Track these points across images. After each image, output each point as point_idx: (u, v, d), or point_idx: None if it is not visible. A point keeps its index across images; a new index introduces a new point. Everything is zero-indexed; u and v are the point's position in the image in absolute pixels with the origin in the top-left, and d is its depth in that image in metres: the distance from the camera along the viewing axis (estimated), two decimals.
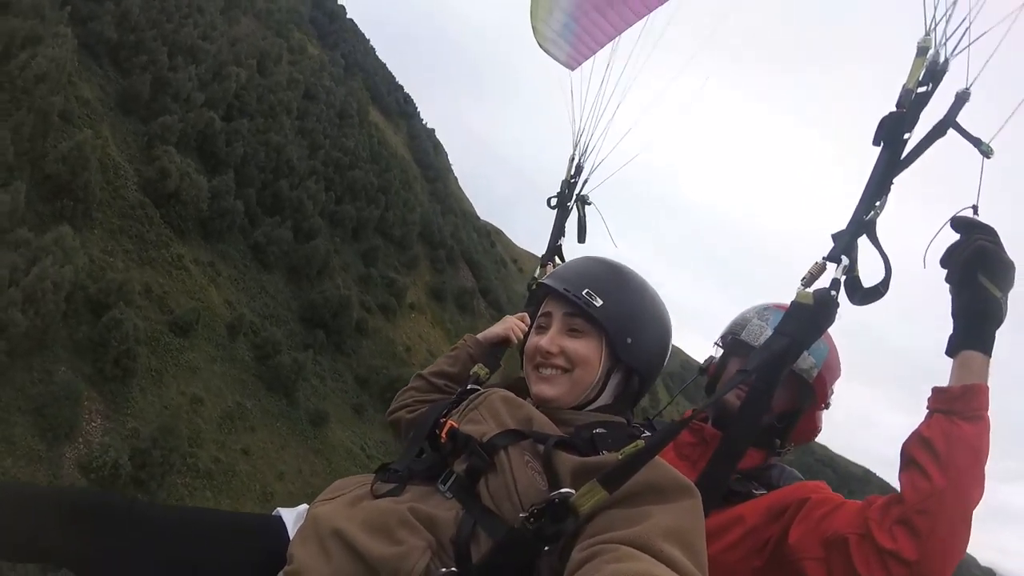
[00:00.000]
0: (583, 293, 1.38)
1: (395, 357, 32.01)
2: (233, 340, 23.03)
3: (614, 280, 1.44)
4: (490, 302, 44.18)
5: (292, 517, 1.41)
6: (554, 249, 2.33)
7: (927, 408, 1.36)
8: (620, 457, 1.08)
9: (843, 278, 1.40)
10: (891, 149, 1.40)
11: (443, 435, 1.33)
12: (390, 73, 53.66)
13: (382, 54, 51.57)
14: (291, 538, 1.34)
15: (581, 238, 2.37)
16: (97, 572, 1.28)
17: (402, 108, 51.22)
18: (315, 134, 31.71)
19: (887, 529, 1.31)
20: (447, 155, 54.25)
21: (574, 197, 2.37)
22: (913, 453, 1.34)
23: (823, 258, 1.42)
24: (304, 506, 1.44)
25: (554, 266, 2.26)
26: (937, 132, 1.38)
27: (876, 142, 1.42)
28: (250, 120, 26.70)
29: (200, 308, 21.44)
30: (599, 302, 1.37)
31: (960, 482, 1.27)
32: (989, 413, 1.31)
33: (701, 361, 2.00)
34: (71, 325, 16.46)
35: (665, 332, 1.46)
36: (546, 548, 1.06)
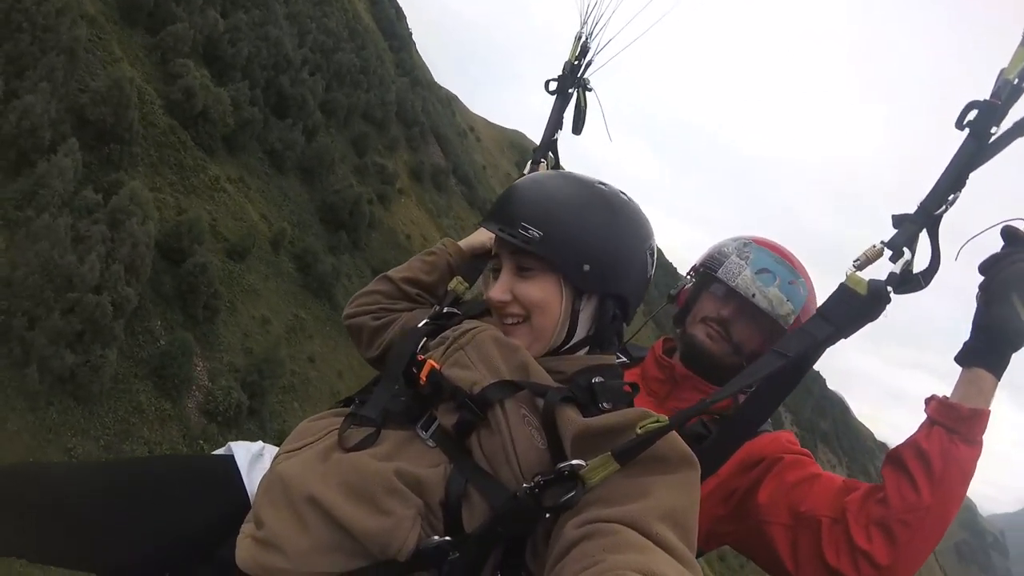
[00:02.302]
0: (519, 229, 1.09)
1: (399, 247, 30.40)
2: (277, 254, 20.94)
3: (553, 201, 1.12)
4: (459, 178, 41.84)
5: (246, 456, 1.19)
6: (549, 144, 1.82)
7: (927, 415, 1.24)
8: (639, 432, 0.90)
9: (899, 272, 1.18)
10: (978, 139, 1.17)
11: (422, 376, 1.07)
12: None
13: None
14: (243, 476, 1.15)
15: (578, 128, 1.87)
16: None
17: None
18: (301, 18, 26.37)
19: (864, 526, 1.22)
20: (407, 20, 47.05)
21: (576, 81, 1.85)
22: (906, 460, 1.23)
23: (882, 243, 1.19)
24: (260, 443, 1.23)
25: (548, 164, 1.81)
26: (1019, 130, 1.16)
27: (960, 126, 1.18)
28: (246, 13, 21.60)
29: (252, 230, 19.03)
30: (538, 234, 1.08)
31: (946, 501, 1.19)
32: (983, 437, 1.22)
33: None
34: (152, 277, 14.22)
35: (631, 241, 1.14)
36: (547, 515, 0.90)
